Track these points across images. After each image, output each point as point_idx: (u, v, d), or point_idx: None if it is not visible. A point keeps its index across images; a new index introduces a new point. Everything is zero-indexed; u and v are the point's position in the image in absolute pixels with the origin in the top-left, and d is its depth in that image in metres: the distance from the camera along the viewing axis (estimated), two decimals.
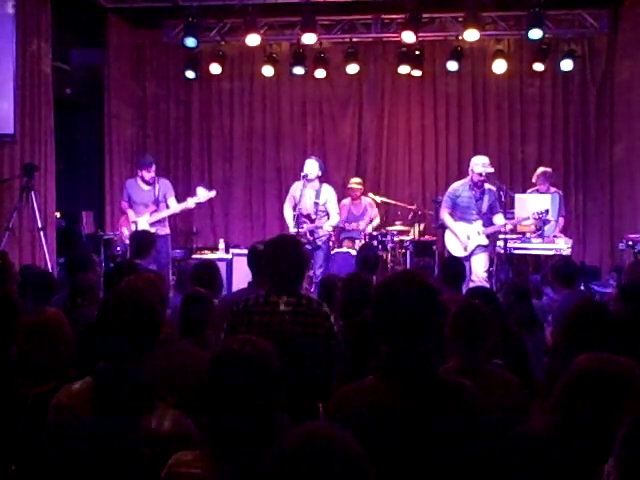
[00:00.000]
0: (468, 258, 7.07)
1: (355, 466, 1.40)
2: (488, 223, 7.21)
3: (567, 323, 2.89)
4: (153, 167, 7.68)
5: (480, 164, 7.11)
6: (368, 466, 1.44)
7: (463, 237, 7.13)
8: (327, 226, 7.62)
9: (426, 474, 1.93)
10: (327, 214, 7.69)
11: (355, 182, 9.02)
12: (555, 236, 7.78)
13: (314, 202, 7.58)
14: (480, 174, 7.07)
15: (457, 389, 2.05)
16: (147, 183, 7.65)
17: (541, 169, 8.41)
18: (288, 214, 7.84)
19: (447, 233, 7.38)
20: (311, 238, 7.48)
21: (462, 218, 7.20)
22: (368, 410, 1.93)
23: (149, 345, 2.38)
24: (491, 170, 7.17)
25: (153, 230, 7.37)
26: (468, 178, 7.23)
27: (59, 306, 4.19)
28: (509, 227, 7.28)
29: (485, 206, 7.16)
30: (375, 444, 1.88)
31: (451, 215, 7.26)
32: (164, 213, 7.62)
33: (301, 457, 1.39)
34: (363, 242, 8.03)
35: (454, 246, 7.25)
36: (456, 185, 7.35)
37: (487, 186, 7.22)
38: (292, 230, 7.51)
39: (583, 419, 1.94)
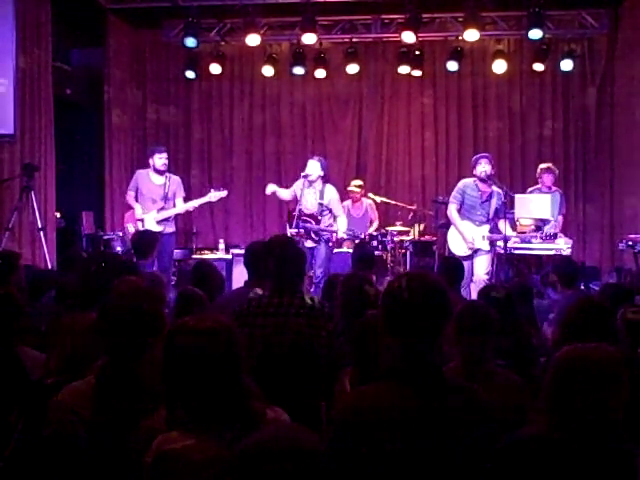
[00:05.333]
0: (468, 258, 7.06)
1: (310, 467, 1.41)
2: (494, 229, 7.19)
3: (567, 321, 2.88)
4: (165, 154, 7.57)
5: (481, 164, 7.14)
6: (326, 468, 1.44)
7: (468, 237, 7.12)
8: (341, 233, 7.57)
9: (438, 476, 1.92)
10: (330, 213, 7.67)
11: (355, 185, 9.02)
12: (555, 234, 7.75)
13: (318, 203, 7.56)
14: (480, 176, 7.09)
15: (466, 391, 2.05)
16: (159, 172, 7.52)
17: (545, 164, 8.37)
18: (281, 192, 7.81)
19: (451, 230, 7.33)
20: (316, 238, 7.47)
21: (468, 217, 7.17)
22: (380, 413, 1.92)
23: (150, 345, 2.38)
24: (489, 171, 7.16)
25: (160, 228, 7.35)
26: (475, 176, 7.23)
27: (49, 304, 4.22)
28: (514, 240, 7.24)
29: (492, 210, 7.15)
30: (387, 447, 1.88)
31: (458, 212, 7.23)
32: (171, 211, 7.50)
33: (263, 457, 1.39)
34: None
35: (456, 244, 7.23)
36: (466, 181, 7.32)
37: (495, 189, 7.21)
38: (291, 230, 7.49)
39: (574, 411, 1.95)
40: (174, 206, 7.57)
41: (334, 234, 7.65)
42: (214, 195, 7.71)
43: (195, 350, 1.94)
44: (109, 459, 2.19)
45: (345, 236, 7.72)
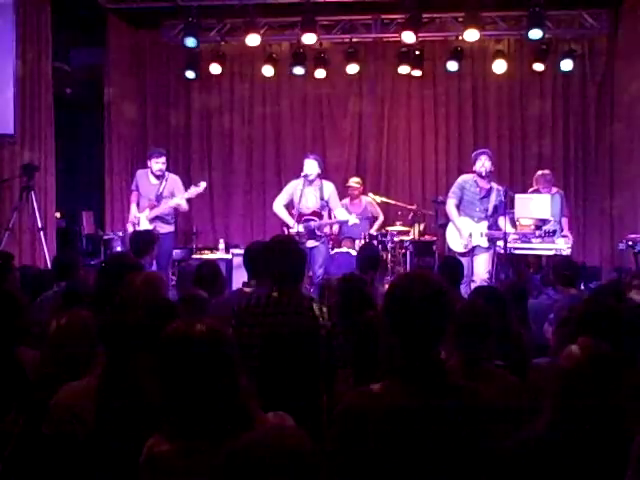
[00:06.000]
0: (467, 255, 7.07)
1: (306, 470, 1.41)
2: (493, 225, 7.19)
3: (572, 321, 2.87)
4: (162, 159, 7.56)
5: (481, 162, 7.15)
6: (321, 469, 1.43)
7: (465, 234, 7.13)
8: (354, 220, 7.57)
9: (439, 476, 1.92)
10: (328, 207, 7.70)
11: (354, 181, 9.06)
12: (555, 231, 7.77)
13: (320, 199, 7.59)
14: (480, 172, 7.09)
15: (467, 391, 2.05)
16: (156, 176, 7.54)
17: (540, 172, 8.38)
18: (281, 210, 7.72)
19: (449, 226, 7.35)
20: (320, 234, 7.50)
21: (466, 214, 7.18)
22: (382, 413, 1.92)
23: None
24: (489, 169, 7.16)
25: (151, 226, 7.36)
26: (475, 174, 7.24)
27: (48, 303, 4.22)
28: (513, 237, 7.24)
29: (491, 206, 7.16)
30: (388, 446, 1.87)
31: (457, 207, 7.23)
32: (161, 208, 7.48)
33: (253, 459, 1.39)
34: (363, 242, 8.04)
35: (454, 241, 7.25)
36: (465, 177, 7.35)
37: (495, 185, 7.22)
38: (293, 230, 7.50)
39: (576, 410, 1.95)
40: None
41: (336, 227, 7.72)
42: (193, 191, 7.66)
43: (187, 356, 1.92)
44: (113, 461, 2.18)
45: (358, 221, 7.73)
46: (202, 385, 1.91)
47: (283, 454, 1.40)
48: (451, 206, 7.23)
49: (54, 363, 2.68)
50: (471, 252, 7.13)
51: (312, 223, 7.46)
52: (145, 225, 7.35)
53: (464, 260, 6.96)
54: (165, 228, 7.50)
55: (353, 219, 7.63)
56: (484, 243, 7.11)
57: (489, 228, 7.15)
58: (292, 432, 1.52)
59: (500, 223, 7.18)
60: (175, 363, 1.94)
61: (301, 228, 7.38)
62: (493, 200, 7.15)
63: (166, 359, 1.96)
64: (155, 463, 1.89)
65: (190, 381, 1.91)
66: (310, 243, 7.40)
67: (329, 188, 7.69)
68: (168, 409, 1.94)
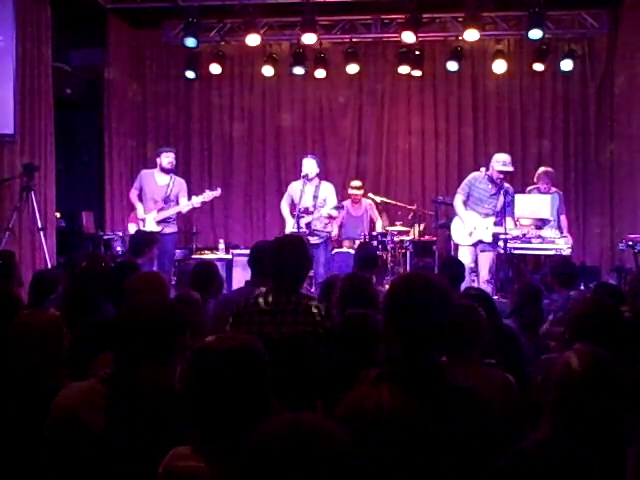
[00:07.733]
0: (473, 246, 7.20)
1: (339, 456, 1.41)
2: (499, 224, 7.25)
3: (575, 322, 2.86)
4: (172, 154, 7.65)
5: (500, 162, 7.17)
6: (352, 459, 1.44)
7: (469, 226, 7.20)
8: (325, 211, 7.60)
9: (438, 477, 1.92)
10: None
11: (356, 186, 9.00)
12: (565, 236, 7.79)
13: (313, 196, 7.62)
14: (500, 172, 7.11)
15: (466, 392, 2.04)
16: (165, 171, 7.56)
17: (542, 168, 8.41)
18: (284, 210, 7.93)
19: (455, 221, 7.46)
20: (307, 231, 7.50)
21: (473, 209, 7.29)
22: (382, 414, 1.91)
23: (168, 350, 2.35)
24: (510, 169, 7.20)
25: (159, 228, 7.38)
26: (487, 172, 7.26)
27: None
28: (514, 233, 7.28)
29: (500, 204, 7.21)
30: (388, 447, 1.87)
31: (464, 203, 7.31)
32: (171, 211, 7.54)
33: (286, 442, 1.39)
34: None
35: (459, 234, 7.33)
36: (476, 174, 7.42)
37: (506, 185, 7.28)
38: (290, 229, 7.54)
39: (584, 418, 1.95)
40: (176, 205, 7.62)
41: (329, 226, 7.76)
42: (208, 195, 7.72)
43: (218, 371, 1.90)
44: (120, 470, 2.17)
45: (333, 213, 7.76)
46: (228, 402, 1.88)
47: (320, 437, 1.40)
48: (458, 202, 7.35)
49: (13, 364, 2.66)
50: (475, 245, 7.21)
51: (303, 221, 7.49)
52: (152, 226, 7.36)
53: (470, 249, 7.11)
54: (170, 229, 7.54)
55: (325, 211, 7.62)
56: (487, 238, 7.17)
57: (495, 225, 7.21)
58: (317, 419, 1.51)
59: (507, 224, 7.24)
60: (204, 378, 1.91)
61: (301, 224, 7.43)
62: (502, 199, 7.21)
63: (199, 373, 1.93)
64: (173, 477, 1.86)
65: (216, 397, 1.88)
66: (313, 240, 7.45)
67: (326, 189, 7.72)
68: (197, 424, 1.91)
